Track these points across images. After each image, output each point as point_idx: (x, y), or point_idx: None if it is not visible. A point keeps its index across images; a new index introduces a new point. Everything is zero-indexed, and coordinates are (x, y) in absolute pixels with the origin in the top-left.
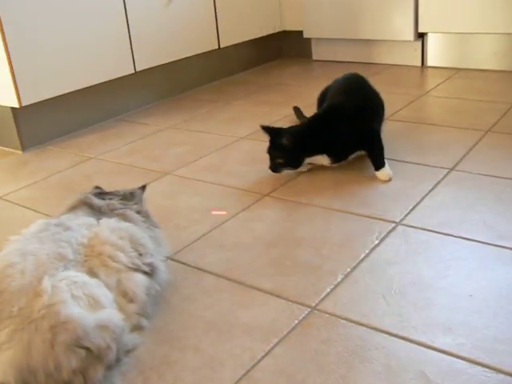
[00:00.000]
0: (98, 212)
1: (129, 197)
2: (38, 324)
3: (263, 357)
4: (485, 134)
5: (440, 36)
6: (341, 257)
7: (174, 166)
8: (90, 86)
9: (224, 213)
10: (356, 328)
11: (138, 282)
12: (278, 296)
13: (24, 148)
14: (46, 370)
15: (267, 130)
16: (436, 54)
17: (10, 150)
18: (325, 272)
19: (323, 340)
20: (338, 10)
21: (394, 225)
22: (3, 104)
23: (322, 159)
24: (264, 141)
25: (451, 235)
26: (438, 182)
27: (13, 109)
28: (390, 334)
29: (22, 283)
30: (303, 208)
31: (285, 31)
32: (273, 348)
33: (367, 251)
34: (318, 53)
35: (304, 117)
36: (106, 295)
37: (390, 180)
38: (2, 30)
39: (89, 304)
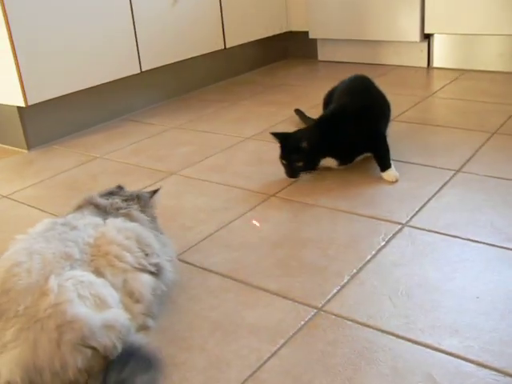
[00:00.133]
0: (103, 212)
1: (133, 199)
2: (44, 323)
3: (269, 358)
4: (491, 135)
5: (446, 37)
6: (347, 258)
7: (179, 166)
8: (96, 86)
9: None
10: (362, 329)
11: (144, 282)
12: (284, 297)
13: (30, 147)
14: (52, 369)
15: (277, 136)
16: (442, 55)
17: (16, 148)
18: (331, 273)
19: (329, 341)
20: (344, 11)
21: (400, 226)
22: (9, 103)
23: (329, 161)
24: (270, 142)
25: (458, 237)
26: (445, 184)
27: (19, 108)
28: (397, 336)
29: (28, 282)
30: (309, 209)
31: (291, 32)
32: (279, 349)
33: (373, 252)
34: (323, 53)
35: (308, 118)
36: (112, 295)
37: (396, 181)
38: (9, 29)
39: (95, 304)
